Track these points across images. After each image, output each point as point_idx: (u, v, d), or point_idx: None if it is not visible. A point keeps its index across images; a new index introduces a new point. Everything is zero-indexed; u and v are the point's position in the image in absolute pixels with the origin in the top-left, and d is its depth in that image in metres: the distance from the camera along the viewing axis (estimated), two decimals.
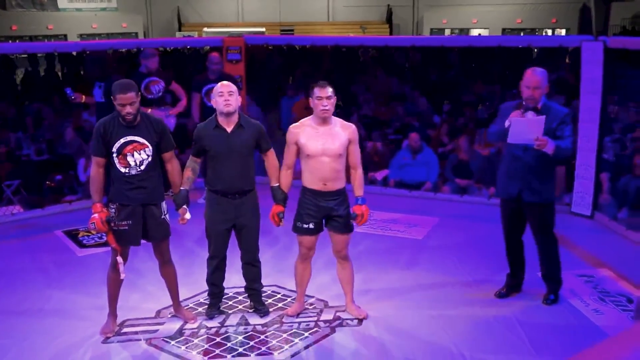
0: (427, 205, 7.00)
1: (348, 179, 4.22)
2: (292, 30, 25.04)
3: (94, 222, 3.90)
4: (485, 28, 25.10)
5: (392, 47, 9.59)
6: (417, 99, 9.17)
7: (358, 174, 4.21)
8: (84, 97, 6.68)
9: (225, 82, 4.19)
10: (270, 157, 4.29)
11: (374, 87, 9.85)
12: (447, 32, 25.79)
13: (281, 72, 10.75)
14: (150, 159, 3.99)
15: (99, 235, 5.70)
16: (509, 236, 4.64)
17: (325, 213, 4.16)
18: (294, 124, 4.22)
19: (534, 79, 4.23)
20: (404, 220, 6.51)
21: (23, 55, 10.55)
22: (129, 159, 3.94)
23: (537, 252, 4.57)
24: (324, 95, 4.03)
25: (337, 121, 4.16)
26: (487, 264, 5.29)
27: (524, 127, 4.16)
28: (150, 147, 3.98)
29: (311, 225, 4.18)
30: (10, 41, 21.86)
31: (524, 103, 4.30)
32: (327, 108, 4.04)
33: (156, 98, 6.55)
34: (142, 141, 3.95)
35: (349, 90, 9.76)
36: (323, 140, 4.06)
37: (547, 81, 4.26)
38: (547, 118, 4.20)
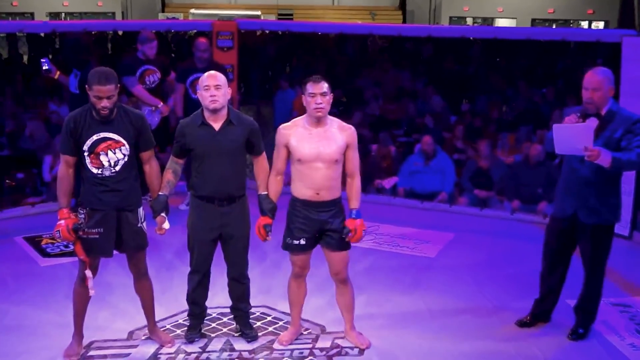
0: (441, 219, 7.00)
1: (344, 188, 4.21)
2: (291, 14, 25.08)
3: (59, 230, 3.89)
4: (512, 18, 25.17)
5: (405, 37, 9.60)
6: (431, 97, 9.18)
7: (355, 184, 4.19)
8: (59, 73, 6.66)
9: (212, 73, 4.16)
10: (261, 160, 4.28)
11: (383, 82, 9.87)
12: (469, 21, 25.85)
13: (276, 62, 10.77)
14: (126, 158, 3.98)
15: (66, 243, 5.69)
16: (554, 258, 4.56)
17: (318, 227, 4.15)
18: (284, 124, 4.20)
19: (593, 79, 4.17)
20: (414, 235, 6.50)
21: None
22: (102, 158, 3.93)
23: (583, 282, 4.48)
24: (318, 92, 4.01)
25: (334, 122, 4.14)
26: (508, 288, 5.28)
27: (569, 135, 4.06)
28: (127, 146, 3.98)
29: (302, 242, 4.16)
30: None
31: (583, 107, 4.26)
32: (321, 106, 4.02)
33: (149, 89, 6.56)
34: (118, 139, 3.95)
35: (353, 84, 9.79)
36: (317, 144, 4.04)
37: (611, 83, 4.20)
38: (611, 125, 4.15)
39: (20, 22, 16.67)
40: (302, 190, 4.10)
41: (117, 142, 3.95)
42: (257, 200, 4.23)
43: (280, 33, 11.47)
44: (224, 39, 7.75)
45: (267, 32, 11.47)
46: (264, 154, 4.29)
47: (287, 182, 4.26)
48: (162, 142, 6.39)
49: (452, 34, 8.84)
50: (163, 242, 5.53)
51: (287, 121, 4.26)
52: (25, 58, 12.26)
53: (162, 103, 6.61)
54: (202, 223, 4.20)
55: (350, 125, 4.19)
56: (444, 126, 8.66)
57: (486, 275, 5.56)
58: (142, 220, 4.12)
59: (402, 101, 9.36)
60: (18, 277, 5.37)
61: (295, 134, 4.09)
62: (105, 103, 3.85)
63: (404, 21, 25.41)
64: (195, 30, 9.02)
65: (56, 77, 6.68)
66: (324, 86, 4.03)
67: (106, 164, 3.94)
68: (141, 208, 4.12)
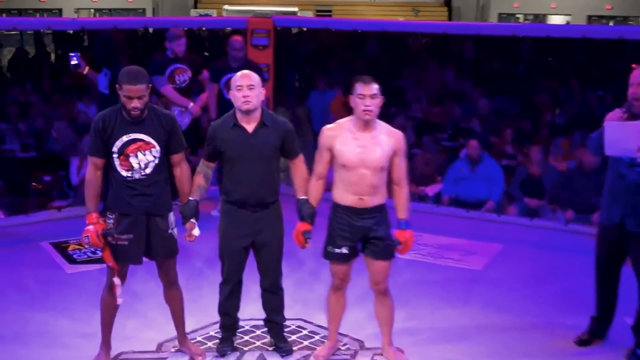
0: (488, 229, 6.94)
1: (390, 194, 4.19)
2: (330, 11, 25.14)
3: (87, 235, 3.94)
4: (566, 15, 24.90)
5: (450, 35, 9.55)
6: (478, 99, 9.13)
7: (403, 192, 4.18)
8: (88, 68, 6.73)
9: (245, 72, 4.18)
10: (299, 163, 4.29)
11: (426, 83, 9.84)
12: (520, 18, 25.62)
13: (314, 62, 10.79)
14: (156, 161, 4.02)
15: (93, 249, 5.77)
16: (603, 270, 4.51)
17: (361, 234, 4.14)
18: (329, 125, 4.19)
19: None
20: (459, 246, 6.46)
21: (12, 33, 10.79)
22: (132, 160, 3.98)
23: (638, 296, 4.40)
24: (368, 94, 4.00)
25: (382, 126, 4.13)
26: (560, 304, 5.22)
27: (620, 134, 3.99)
28: (158, 148, 4.01)
29: (345, 250, 4.15)
30: None
31: (627, 105, 4.19)
32: (369, 109, 4.00)
33: (179, 89, 6.62)
34: (148, 140, 3.99)
35: (394, 85, 9.76)
36: (362, 149, 4.03)
37: None
38: None
39: (49, 18, 16.99)
40: (345, 196, 4.09)
41: (148, 143, 3.98)
42: (296, 205, 4.22)
43: (318, 30, 11.49)
44: (259, 37, 7.78)
45: (304, 29, 11.51)
46: (301, 156, 4.29)
47: (327, 188, 4.25)
48: (193, 144, 6.44)
49: (501, 32, 8.77)
50: (193, 250, 5.56)
51: (324, 123, 4.24)
52: (52, 56, 12.50)
53: (192, 103, 6.67)
54: (234, 230, 4.22)
55: (399, 131, 4.16)
56: (491, 130, 8.60)
57: (537, 290, 5.50)
58: (173, 226, 4.15)
59: (446, 103, 9.32)
60: (43, 284, 5.46)
61: (340, 137, 4.07)
62: (136, 103, 3.89)
63: (450, 18, 25.29)
64: (229, 28, 9.08)
65: (85, 72, 6.72)
66: (374, 88, 4.01)
67: (136, 166, 3.98)
68: (171, 213, 4.15)
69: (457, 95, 9.49)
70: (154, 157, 4.00)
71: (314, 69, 10.43)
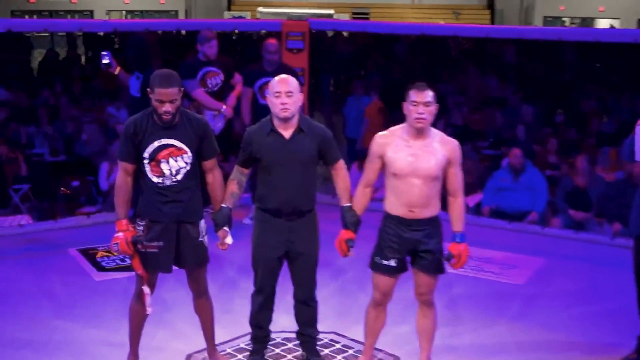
0: (530, 242, 6.88)
1: (444, 206, 4.15)
2: (367, 14, 25.18)
3: (117, 242, 3.98)
4: (615, 18, 24.64)
5: (493, 39, 9.51)
6: (521, 106, 9.07)
7: (458, 203, 4.14)
8: (119, 68, 6.79)
9: (283, 78, 4.17)
10: (339, 169, 4.28)
11: (467, 89, 9.80)
12: (566, 21, 25.40)
13: (350, 66, 10.82)
14: (188, 167, 4.05)
15: (122, 257, 5.83)
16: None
17: (410, 247, 4.10)
18: (381, 133, 4.17)
19: None
20: (500, 260, 6.41)
21: (43, 34, 10.96)
22: (163, 166, 4.01)
23: None
24: (422, 101, 3.99)
25: (436, 134, 4.10)
26: (606, 322, 5.16)
27: None
28: (190, 153, 4.04)
29: (392, 263, 4.12)
30: (27, 16, 22.82)
31: None
32: (423, 117, 3.98)
33: (211, 93, 6.67)
34: (180, 145, 4.02)
35: (435, 91, 9.72)
36: (414, 157, 4.01)
37: None
38: None
39: (80, 20, 17.24)
40: (395, 206, 4.07)
41: (180, 149, 4.01)
42: (340, 212, 4.21)
43: (355, 34, 11.51)
44: (294, 40, 7.81)
45: (340, 32, 11.54)
46: (342, 161, 4.28)
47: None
48: (226, 150, 6.47)
49: (546, 36, 8.68)
50: (225, 259, 5.59)
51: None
52: (83, 59, 12.68)
53: (224, 106, 6.70)
54: (268, 238, 4.23)
55: (454, 139, 4.13)
56: (535, 138, 8.54)
57: (581, 307, 5.44)
58: (204, 234, 4.17)
59: (488, 110, 9.27)
60: (71, 292, 5.52)
61: (393, 144, 4.06)
62: (167, 107, 3.91)
63: (492, 22, 25.21)
64: (264, 31, 9.13)
65: (116, 72, 6.78)
66: (429, 95, 4.00)
67: (167, 172, 4.01)
68: (203, 221, 4.17)
69: (499, 101, 9.44)
70: (186, 163, 4.03)
71: (350, 74, 10.45)
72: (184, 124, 4.03)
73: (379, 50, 11.23)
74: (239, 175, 4.27)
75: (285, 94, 4.08)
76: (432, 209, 4.07)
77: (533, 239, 7.00)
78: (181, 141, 4.01)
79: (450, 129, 8.80)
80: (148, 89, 3.97)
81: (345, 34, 12.14)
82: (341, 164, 4.27)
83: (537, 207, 7.33)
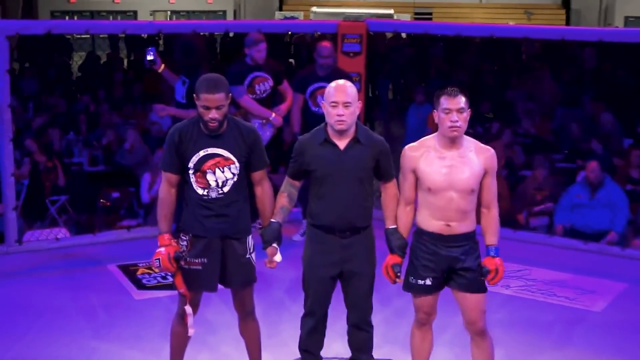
0: (609, 264, 6.75)
1: (478, 220, 4.13)
2: (430, 14, 25.15)
3: (158, 259, 4.01)
4: None
5: (569, 41, 9.40)
6: (599, 114, 8.95)
7: (492, 216, 4.12)
8: (164, 66, 6.82)
9: (341, 85, 4.14)
10: (391, 187, 4.27)
11: (539, 96, 9.71)
12: None
13: (411, 71, 10.81)
14: (235, 178, 4.08)
15: (164, 274, 5.90)
16: None
17: (446, 265, 4.08)
18: (410, 145, 4.16)
19: None
20: (575, 284, 6.31)
21: (84, 36, 11.20)
22: (209, 177, 4.05)
23: None
24: (454, 108, 3.97)
25: (471, 143, 4.09)
26: None
27: None
28: (237, 164, 4.07)
29: (428, 282, 4.11)
30: (67, 17, 23.36)
31: None
32: (457, 125, 3.97)
33: (259, 100, 6.72)
34: (227, 155, 4.05)
35: (503, 97, 9.69)
36: (449, 169, 4.00)
37: None
38: None
39: (123, 21, 17.54)
40: (430, 221, 4.07)
41: (227, 159, 4.04)
42: (385, 235, 4.22)
43: (417, 35, 11.50)
44: (350, 43, 7.81)
45: (401, 34, 11.54)
46: (395, 180, 4.27)
47: None
48: (275, 160, 6.49)
49: (628, 38, 8.56)
50: (274, 278, 5.62)
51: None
52: (125, 62, 12.91)
53: (274, 114, 6.73)
54: (320, 257, 4.23)
55: (490, 147, 4.11)
56: (615, 151, 8.42)
57: None
58: (251, 250, 4.19)
59: (562, 118, 9.17)
60: (109, 311, 5.59)
61: (425, 157, 4.06)
62: (214, 114, 3.95)
63: (568, 22, 24.95)
64: (317, 33, 9.16)
65: (160, 70, 6.82)
66: (461, 101, 3.99)
67: (213, 184, 4.04)
68: (250, 237, 4.19)
69: (575, 109, 9.33)
70: (233, 174, 4.06)
71: (411, 79, 10.44)
72: (232, 133, 4.06)
73: (443, 54, 11.20)
74: (290, 187, 4.27)
75: (342, 104, 4.06)
76: (469, 224, 4.06)
77: (612, 261, 6.87)
78: (229, 151, 4.04)
79: (519, 140, 8.74)
80: (194, 95, 4.01)
81: (405, 35, 12.14)
82: (394, 183, 4.26)
83: (616, 227, 7.23)
